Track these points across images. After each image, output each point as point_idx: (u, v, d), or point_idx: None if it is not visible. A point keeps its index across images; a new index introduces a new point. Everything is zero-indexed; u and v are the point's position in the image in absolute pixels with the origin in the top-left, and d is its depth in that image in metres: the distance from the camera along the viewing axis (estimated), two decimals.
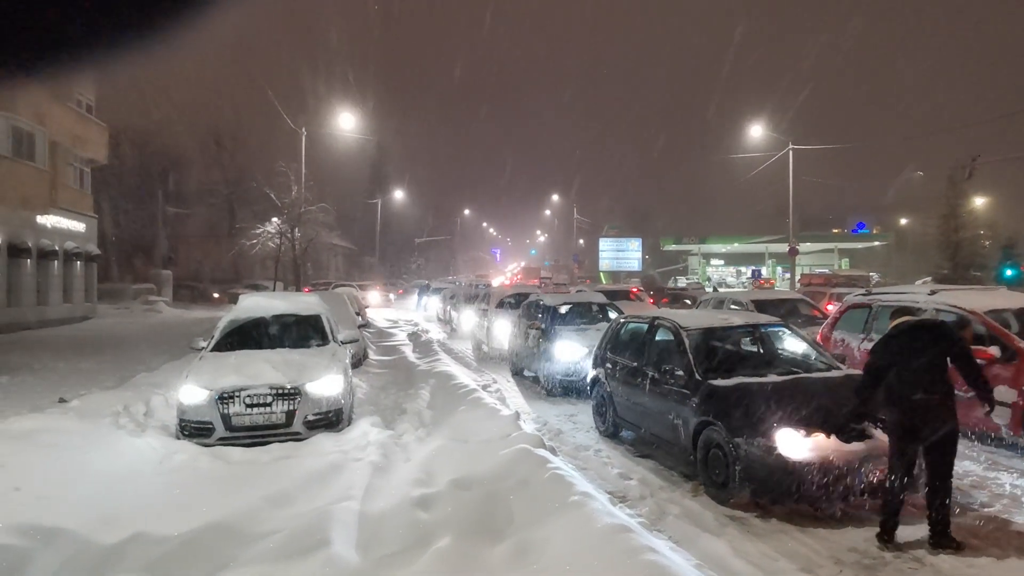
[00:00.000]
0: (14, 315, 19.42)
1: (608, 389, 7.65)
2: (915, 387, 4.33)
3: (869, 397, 4.58)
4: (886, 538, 4.40)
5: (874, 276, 40.35)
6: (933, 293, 8.10)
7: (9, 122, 18.30)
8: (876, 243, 60.86)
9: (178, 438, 7.08)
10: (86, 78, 22.22)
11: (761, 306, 11.73)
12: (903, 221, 58.76)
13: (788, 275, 35.78)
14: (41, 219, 20.88)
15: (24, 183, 18.91)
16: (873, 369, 4.56)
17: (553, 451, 6.07)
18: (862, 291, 10.54)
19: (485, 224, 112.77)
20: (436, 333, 21.37)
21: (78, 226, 23.70)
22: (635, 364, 7.23)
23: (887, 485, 4.48)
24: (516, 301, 15.12)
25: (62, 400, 8.73)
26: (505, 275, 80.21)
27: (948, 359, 4.40)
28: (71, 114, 22.39)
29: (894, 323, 4.70)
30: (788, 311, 11.76)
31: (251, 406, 7.02)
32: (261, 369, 7.29)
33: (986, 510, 5.10)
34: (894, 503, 4.42)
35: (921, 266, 42.86)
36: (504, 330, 13.88)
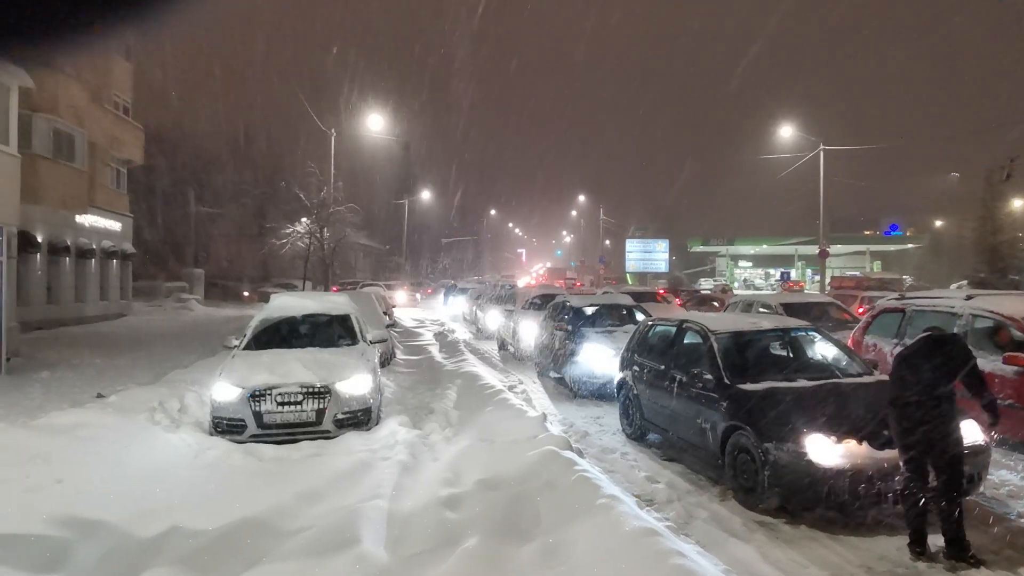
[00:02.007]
0: (54, 312, 19.96)
1: (635, 392, 7.63)
2: (912, 390, 4.33)
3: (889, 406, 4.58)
4: (918, 549, 4.33)
5: (907, 279, 39.57)
6: (969, 298, 7.93)
7: (50, 124, 18.80)
8: (909, 245, 59.65)
9: (211, 434, 7.23)
10: (116, 72, 22.69)
11: (790, 309, 11.58)
12: (938, 223, 57.47)
13: (818, 277, 35.23)
14: (79, 218, 21.43)
15: (64, 184, 19.42)
16: (891, 380, 4.61)
17: (580, 453, 6.08)
18: (895, 295, 10.37)
19: (511, 224, 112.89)
20: (462, 333, 21.46)
21: (114, 225, 24.28)
22: (662, 367, 7.21)
23: (904, 493, 4.42)
24: (542, 302, 15.13)
25: (100, 396, 8.96)
26: (531, 275, 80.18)
27: (956, 371, 4.33)
28: (109, 116, 22.94)
29: (917, 337, 4.69)
30: (818, 315, 11.60)
31: (282, 404, 7.14)
32: (292, 368, 7.41)
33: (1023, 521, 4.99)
34: (914, 511, 4.36)
35: (956, 270, 41.88)
36: (530, 331, 13.90)
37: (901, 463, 4.45)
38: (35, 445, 6.01)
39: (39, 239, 18.97)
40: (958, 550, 4.21)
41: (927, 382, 4.31)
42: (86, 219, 21.87)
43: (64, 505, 4.80)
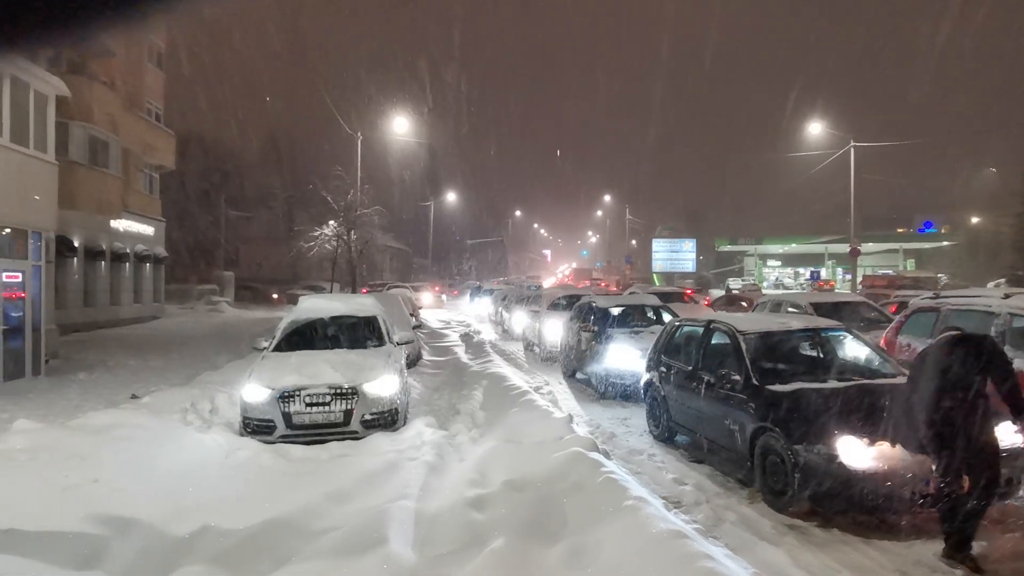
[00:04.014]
0: (90, 314, 20.46)
1: (662, 393, 7.58)
2: (945, 396, 4.19)
3: (908, 408, 4.45)
4: (961, 554, 4.22)
5: (942, 278, 38.66)
6: (1007, 296, 7.73)
7: (86, 131, 19.27)
8: (945, 243, 58.25)
9: (241, 435, 7.34)
10: (148, 79, 23.14)
11: (820, 309, 11.39)
12: (974, 220, 56.03)
13: (849, 276, 34.62)
14: (114, 223, 21.93)
15: (99, 189, 19.90)
16: (907, 392, 4.49)
17: (606, 454, 6.06)
18: (929, 294, 10.14)
19: (536, 225, 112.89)
20: (488, 334, 21.50)
21: (147, 230, 24.80)
22: (690, 368, 7.14)
23: (939, 499, 4.32)
24: (567, 303, 15.10)
25: (134, 396, 9.16)
26: (556, 276, 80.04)
27: (986, 373, 4.20)
28: (142, 123, 23.45)
29: (939, 336, 4.54)
30: (849, 314, 11.38)
31: (310, 405, 7.23)
32: (320, 369, 7.49)
33: None
34: (951, 514, 4.25)
35: (994, 268, 40.77)
36: (556, 332, 13.88)
37: (933, 466, 4.34)
38: (73, 445, 6.17)
39: (76, 244, 19.47)
40: (959, 551, 4.11)
41: (959, 387, 4.17)
42: (120, 224, 22.38)
43: (100, 503, 4.91)
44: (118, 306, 22.60)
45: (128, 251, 22.98)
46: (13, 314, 10.99)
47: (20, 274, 11.22)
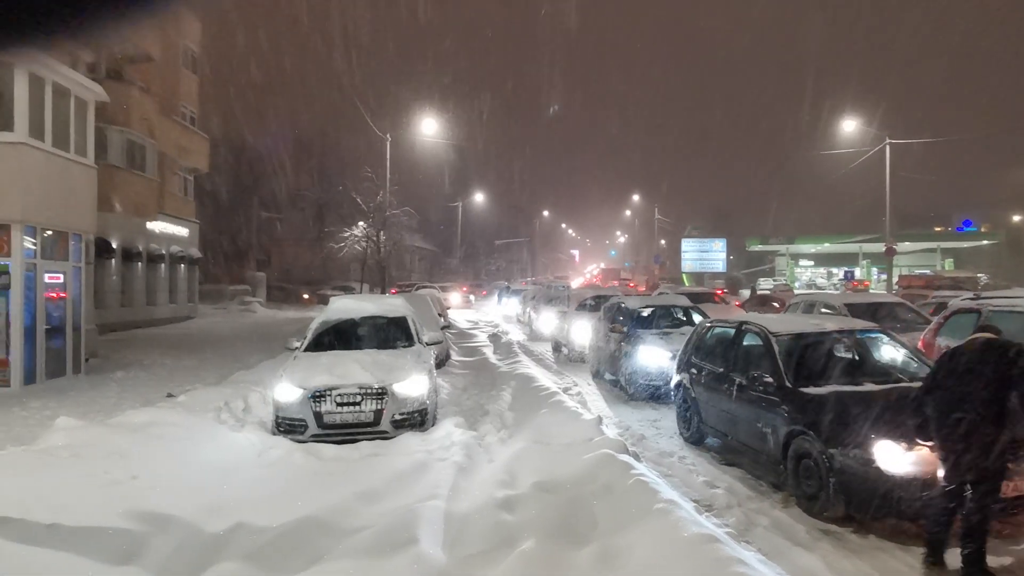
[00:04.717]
0: (127, 314, 20.96)
1: (693, 395, 7.50)
2: (956, 406, 4.03)
3: (919, 414, 4.33)
4: (932, 559, 4.12)
5: (982, 277, 37.63)
6: None
7: (124, 136, 19.75)
8: (984, 242, 56.74)
9: (274, 434, 7.45)
10: (183, 84, 23.58)
11: (855, 310, 11.17)
12: (1016, 218, 54.45)
13: (884, 276, 33.88)
14: (150, 225, 22.44)
15: (136, 192, 20.38)
16: (924, 386, 4.35)
17: (636, 457, 6.01)
18: (969, 295, 9.88)
19: (564, 225, 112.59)
20: (516, 335, 21.51)
21: (182, 231, 25.32)
22: (721, 370, 7.06)
23: (936, 502, 4.21)
24: (596, 303, 15.03)
25: (170, 395, 9.36)
26: (584, 276, 79.75)
27: (1010, 382, 3.97)
28: (177, 126, 23.95)
29: (971, 336, 4.37)
30: (885, 315, 11.14)
31: (341, 405, 7.30)
32: (351, 369, 7.57)
33: None
34: (940, 521, 4.15)
35: None
36: (584, 332, 13.83)
37: (941, 473, 4.22)
38: (113, 442, 6.32)
39: (114, 245, 19.97)
40: (975, 566, 3.97)
41: (979, 394, 3.99)
42: (156, 226, 22.89)
43: (139, 500, 5.03)
44: (154, 306, 23.11)
45: (163, 252, 23.49)
46: (54, 314, 11.31)
47: (61, 275, 11.54)
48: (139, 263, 22.00)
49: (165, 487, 5.43)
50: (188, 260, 25.79)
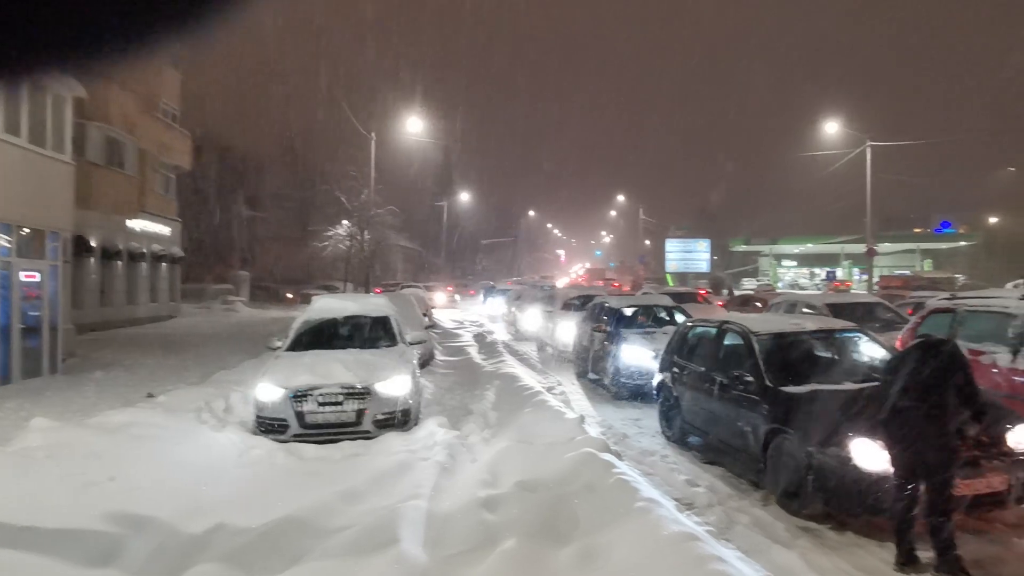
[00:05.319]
0: (107, 314, 20.69)
1: (675, 394, 7.55)
2: (902, 396, 4.17)
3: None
4: (903, 560, 4.17)
5: (960, 278, 38.19)
6: None
7: (103, 132, 19.50)
8: (962, 243, 57.59)
9: (255, 434, 7.39)
10: (165, 81, 23.33)
11: (836, 310, 11.28)
12: (993, 220, 55.30)
13: (865, 277, 34.28)
14: (131, 223, 22.17)
15: (116, 190, 20.13)
16: (881, 383, 4.51)
17: (618, 455, 6.04)
18: (945, 295, 10.02)
19: (549, 225, 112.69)
20: (501, 334, 21.51)
21: (164, 230, 25.05)
22: (703, 369, 7.11)
23: (894, 503, 4.28)
24: (581, 303, 15.08)
25: (150, 395, 9.26)
26: (569, 276, 79.89)
27: (946, 377, 4.14)
28: (158, 123, 23.69)
29: (909, 344, 4.55)
30: (865, 315, 11.27)
31: (323, 404, 7.27)
32: (333, 369, 7.53)
33: None
34: (903, 523, 4.22)
35: (1013, 268, 40.23)
36: (568, 332, 13.86)
37: (892, 472, 4.31)
38: (90, 443, 6.25)
39: (93, 244, 19.70)
40: (948, 564, 4.03)
41: (918, 389, 4.14)
42: (137, 224, 22.62)
43: (117, 501, 4.97)
44: (134, 305, 22.84)
45: (144, 251, 23.21)
46: (31, 313, 11.15)
47: (38, 274, 11.37)
48: (119, 262, 21.71)
49: (143, 488, 5.37)
50: (170, 259, 25.52)
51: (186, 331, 20.87)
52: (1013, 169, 51.67)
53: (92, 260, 20.03)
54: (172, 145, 24.85)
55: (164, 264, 25.14)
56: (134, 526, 4.60)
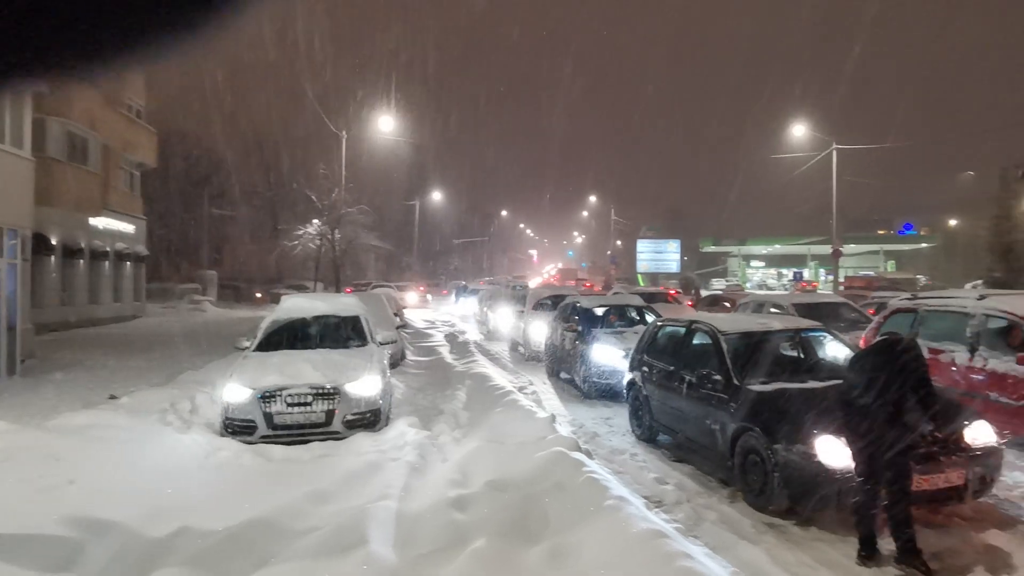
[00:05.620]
0: (68, 314, 20.17)
1: (645, 393, 7.61)
2: (862, 394, 4.27)
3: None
4: (865, 553, 4.27)
5: (921, 279, 39.19)
6: (982, 298, 7.84)
7: (64, 127, 19.01)
8: (923, 245, 59.14)
9: (222, 435, 7.27)
10: (129, 77, 22.86)
11: (802, 310, 11.50)
12: (952, 222, 56.89)
13: (831, 277, 34.99)
14: (93, 221, 21.65)
15: (78, 186, 19.63)
16: (843, 381, 4.62)
17: (589, 454, 6.07)
18: (907, 295, 10.28)
19: (522, 225, 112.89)
20: (473, 334, 21.48)
21: (128, 228, 24.51)
22: (672, 368, 7.18)
23: (853, 497, 4.38)
24: (553, 303, 15.12)
25: (112, 397, 9.05)
26: (542, 276, 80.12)
27: (906, 376, 4.23)
28: (122, 119, 23.17)
29: (873, 341, 4.67)
30: (830, 315, 11.50)
31: (292, 405, 7.18)
32: (302, 369, 7.45)
33: None
34: (862, 515, 4.32)
35: (971, 269, 41.42)
36: (540, 332, 13.89)
37: (852, 465, 4.42)
38: (49, 446, 6.09)
39: (53, 242, 19.19)
40: (908, 556, 4.14)
41: (877, 387, 4.23)
42: (100, 221, 22.10)
43: (76, 505, 4.85)
44: (97, 305, 22.31)
45: (108, 249, 22.69)
46: None
47: None
48: (81, 260, 21.19)
49: (105, 491, 5.24)
50: (134, 257, 24.99)
51: (151, 331, 20.44)
52: (972, 173, 53.21)
53: (53, 258, 19.52)
54: (137, 141, 24.33)
55: (128, 263, 24.60)
56: (94, 530, 4.50)
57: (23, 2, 0.82)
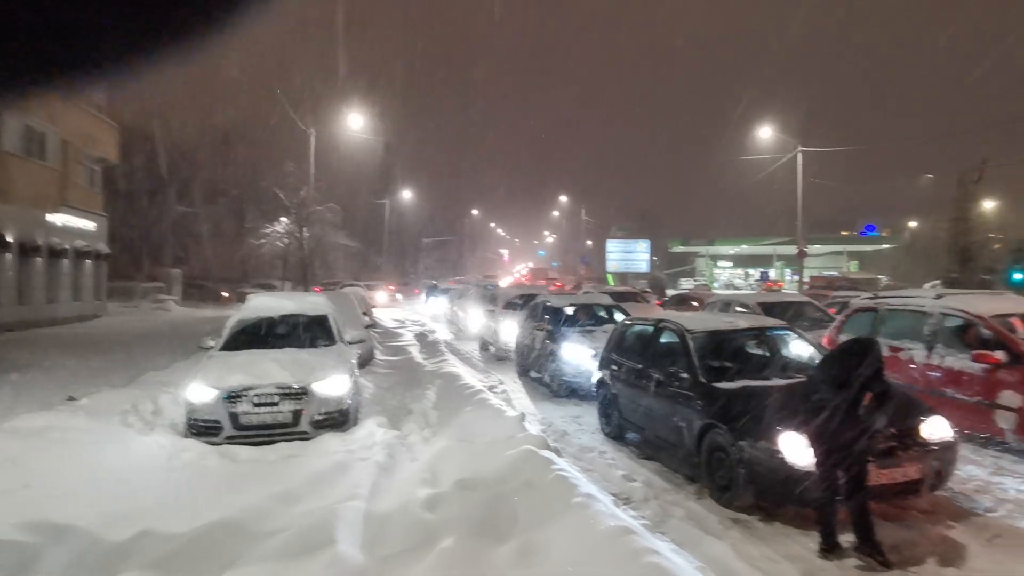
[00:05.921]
0: (25, 313, 19.60)
1: (613, 391, 7.67)
2: (823, 392, 4.40)
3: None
4: (826, 547, 4.37)
5: (883, 279, 40.14)
6: (940, 297, 8.07)
7: (21, 121, 18.47)
8: (885, 246, 60.58)
9: (186, 437, 7.14)
10: (99, 85, 22.43)
11: (768, 309, 11.70)
12: (912, 224, 58.40)
13: (796, 277, 35.66)
14: (51, 218, 21.07)
15: (35, 182, 19.11)
16: (807, 380, 4.79)
17: (558, 452, 6.10)
18: (868, 295, 10.52)
19: (493, 224, 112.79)
20: (443, 333, 21.40)
21: (88, 225, 23.90)
22: (640, 366, 7.25)
23: (813, 491, 4.48)
24: (523, 302, 15.15)
25: (71, 398, 8.81)
26: (513, 275, 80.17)
27: (864, 377, 4.32)
28: (82, 114, 22.58)
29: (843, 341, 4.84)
30: (795, 314, 11.72)
31: (258, 405, 7.08)
32: (268, 369, 7.35)
33: (990, 515, 5.10)
34: (824, 509, 4.43)
35: (931, 269, 42.55)
36: (510, 331, 13.91)
37: (814, 461, 4.52)
38: (3, 449, 5.91)
39: (9, 239, 18.62)
40: (868, 548, 4.25)
41: (836, 385, 4.36)
42: (58, 218, 21.51)
43: (32, 509, 4.72)
44: (56, 304, 21.71)
45: (67, 247, 22.09)
46: None
47: None
48: (38, 258, 20.59)
49: (63, 495, 5.11)
50: (95, 255, 24.38)
51: (112, 331, 19.96)
52: (931, 176, 54.66)
53: (8, 256, 18.94)
54: (98, 136, 23.75)
55: (88, 261, 23.99)
56: (52, 535, 4.38)
57: (23, 21, 0.81)
